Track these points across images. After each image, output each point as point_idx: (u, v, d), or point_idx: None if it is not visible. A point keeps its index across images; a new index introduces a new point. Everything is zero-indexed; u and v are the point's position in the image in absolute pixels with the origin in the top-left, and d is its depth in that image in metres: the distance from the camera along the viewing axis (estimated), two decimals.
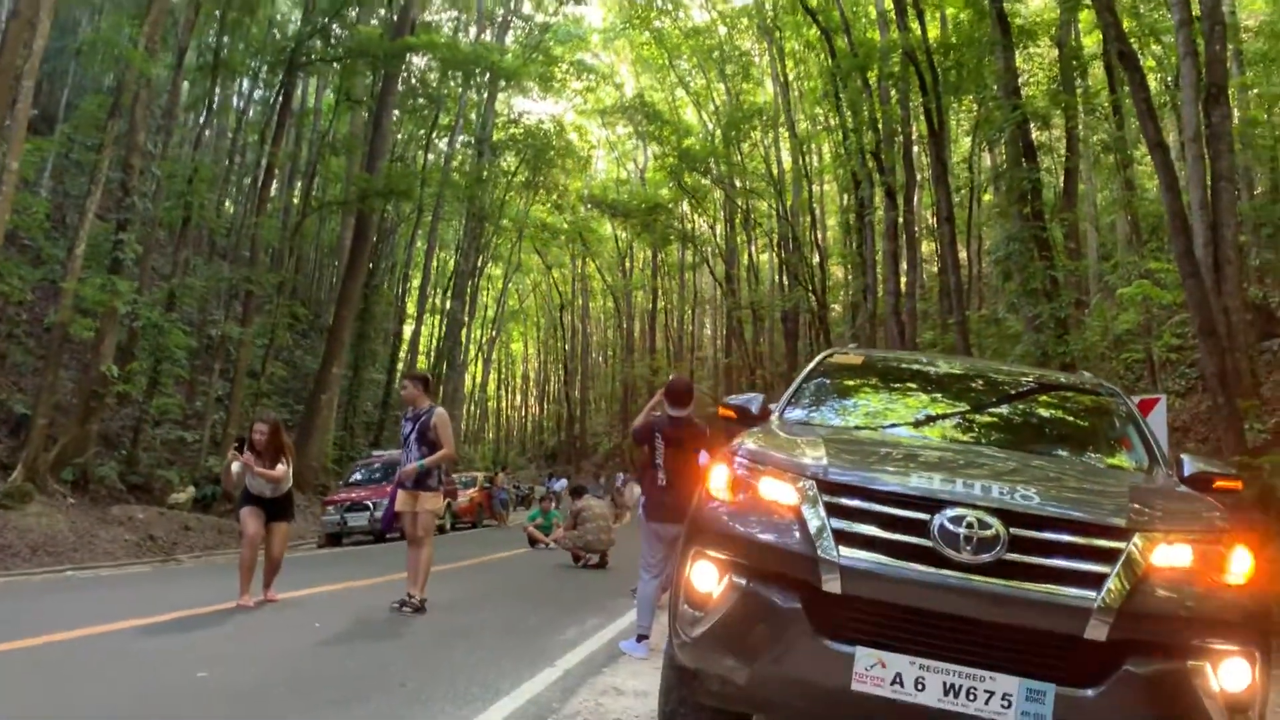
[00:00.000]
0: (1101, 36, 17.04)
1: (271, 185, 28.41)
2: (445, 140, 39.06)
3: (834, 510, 3.05)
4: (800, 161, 34.98)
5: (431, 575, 8.50)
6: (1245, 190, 19.65)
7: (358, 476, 21.99)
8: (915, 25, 19.42)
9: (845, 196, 34.65)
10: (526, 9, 40.22)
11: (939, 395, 4.84)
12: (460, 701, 5.00)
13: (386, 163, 29.77)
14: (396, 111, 32.96)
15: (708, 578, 3.23)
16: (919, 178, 26.88)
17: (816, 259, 33.86)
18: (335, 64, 28.19)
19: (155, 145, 22.54)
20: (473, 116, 38.66)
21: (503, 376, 76.32)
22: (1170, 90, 18.75)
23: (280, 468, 8.40)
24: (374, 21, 29.65)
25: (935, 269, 28.40)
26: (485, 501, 27.51)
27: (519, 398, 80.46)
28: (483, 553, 16.41)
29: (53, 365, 17.05)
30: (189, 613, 7.83)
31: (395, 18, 29.37)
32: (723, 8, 38.18)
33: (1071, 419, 4.73)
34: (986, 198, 28.12)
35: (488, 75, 34.18)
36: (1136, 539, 2.92)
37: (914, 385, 4.95)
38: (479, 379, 61.53)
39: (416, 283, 44.65)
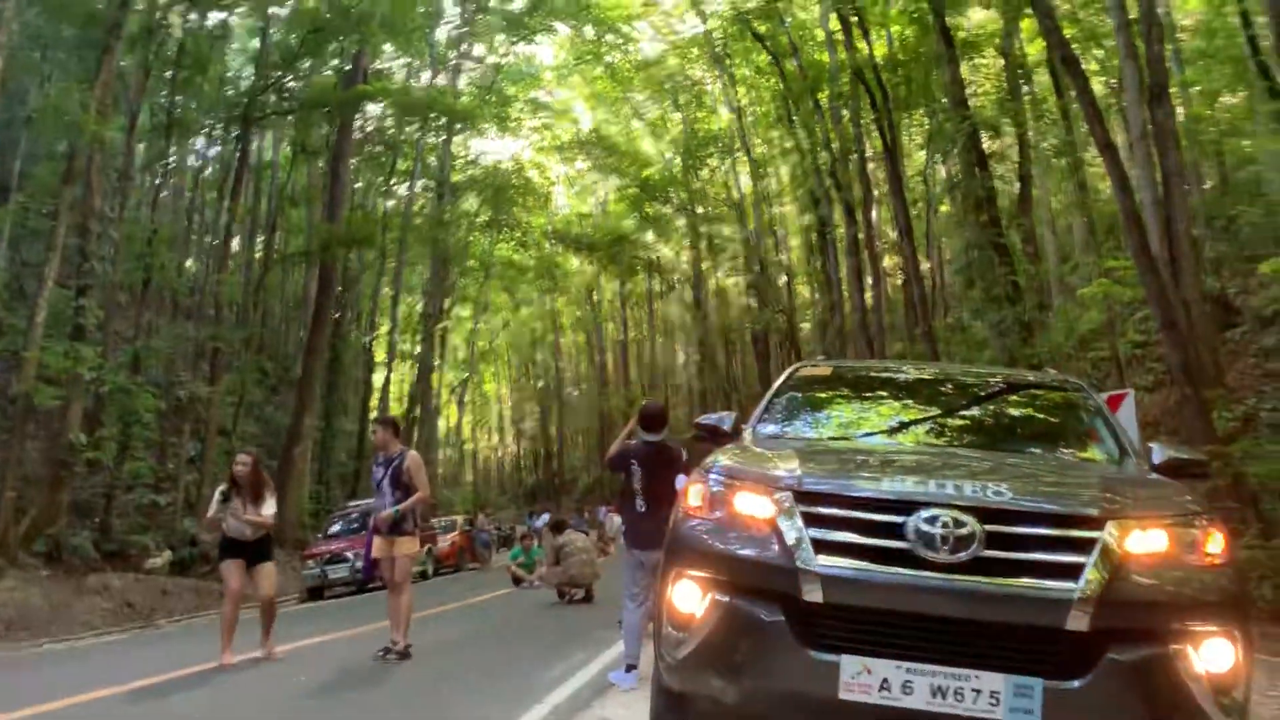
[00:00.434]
0: (1045, 44, 17.37)
1: (233, 241, 28.25)
2: (405, 185, 38.96)
3: (811, 520, 3.05)
4: (759, 184, 35.25)
5: (415, 620, 8.39)
6: (1195, 186, 19.99)
7: (336, 528, 21.68)
8: (862, 45, 19.75)
9: (807, 215, 34.94)
10: (478, 51, 40.42)
11: (909, 401, 4.87)
12: None
13: (347, 211, 29.70)
14: (354, 160, 32.93)
15: (690, 597, 3.21)
16: (875, 193, 27.15)
17: (783, 279, 34.07)
18: (290, 116, 28.13)
19: (112, 208, 22.27)
20: (431, 160, 38.65)
21: (478, 418, 75.87)
22: (1115, 92, 19.10)
23: (267, 510, 8.30)
24: (327, 72, 29.67)
25: (900, 281, 28.64)
26: (466, 544, 27.11)
27: (495, 437, 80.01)
28: (466, 596, 16.22)
29: (19, 436, 16.75)
30: (171, 675, 7.67)
31: (349, 67, 29.42)
32: (673, 39, 38.55)
33: (1041, 416, 4.77)
34: (944, 208, 28.44)
35: (443, 119, 34.28)
36: (1110, 527, 2.93)
37: (884, 392, 4.98)
38: (454, 422, 61.09)
39: (385, 329, 44.42)
